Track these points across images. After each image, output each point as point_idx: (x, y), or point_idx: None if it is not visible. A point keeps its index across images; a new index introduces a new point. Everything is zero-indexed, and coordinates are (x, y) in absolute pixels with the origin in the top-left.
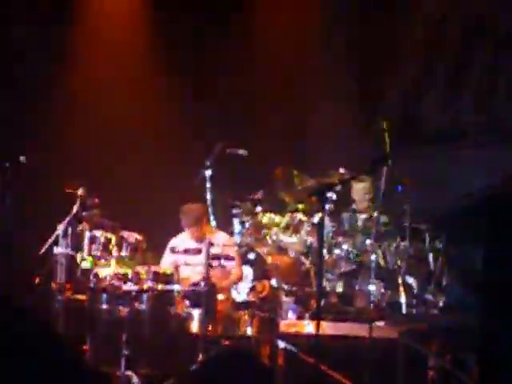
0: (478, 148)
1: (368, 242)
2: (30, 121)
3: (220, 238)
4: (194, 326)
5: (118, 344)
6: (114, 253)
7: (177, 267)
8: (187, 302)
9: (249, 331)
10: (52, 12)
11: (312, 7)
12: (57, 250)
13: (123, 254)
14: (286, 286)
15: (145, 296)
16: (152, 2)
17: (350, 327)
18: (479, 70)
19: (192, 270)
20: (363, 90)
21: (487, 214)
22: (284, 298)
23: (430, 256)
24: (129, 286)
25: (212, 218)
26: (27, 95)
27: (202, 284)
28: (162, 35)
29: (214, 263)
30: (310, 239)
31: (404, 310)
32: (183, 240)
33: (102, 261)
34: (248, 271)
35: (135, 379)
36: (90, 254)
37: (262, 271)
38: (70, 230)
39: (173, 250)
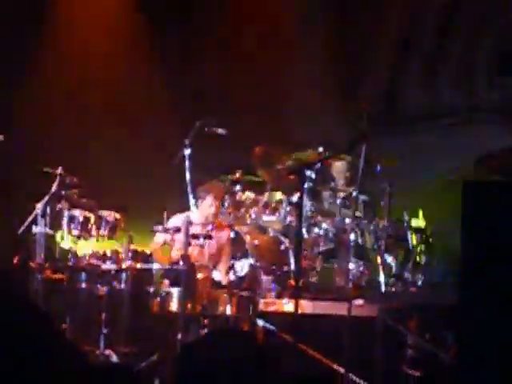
0: (458, 125)
1: (347, 220)
2: (8, 101)
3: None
4: (174, 305)
5: (97, 323)
6: (93, 232)
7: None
8: (166, 281)
9: (228, 310)
10: None
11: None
12: (35, 229)
13: (102, 232)
14: (264, 265)
15: (124, 275)
16: None
17: (328, 306)
18: (455, 54)
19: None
20: (343, 73)
21: (465, 193)
22: (263, 277)
23: (409, 235)
24: (108, 265)
25: (191, 197)
26: (2, 73)
27: (181, 263)
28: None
29: (194, 242)
30: (289, 218)
31: (383, 289)
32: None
33: (81, 240)
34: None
35: (114, 357)
36: (69, 233)
37: (241, 250)
38: (48, 209)
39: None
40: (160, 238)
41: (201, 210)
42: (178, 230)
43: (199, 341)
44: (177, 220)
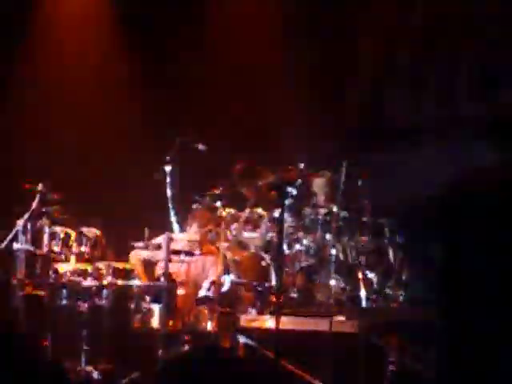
0: (439, 143)
1: (328, 236)
2: None
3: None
4: (155, 322)
5: (78, 339)
6: (74, 248)
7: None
8: (147, 298)
9: (209, 326)
10: None
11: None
12: (16, 245)
13: (83, 249)
14: (246, 282)
15: (105, 292)
16: None
17: (310, 322)
18: (440, 66)
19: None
20: (324, 88)
21: (446, 208)
22: (244, 293)
23: (390, 251)
24: (89, 282)
25: (172, 213)
26: None
27: (162, 279)
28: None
29: (175, 258)
30: (270, 234)
31: (364, 305)
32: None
33: (62, 256)
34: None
35: (95, 374)
36: (49, 250)
37: (222, 266)
38: (29, 225)
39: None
40: (138, 254)
41: (187, 235)
42: (158, 246)
43: (180, 357)
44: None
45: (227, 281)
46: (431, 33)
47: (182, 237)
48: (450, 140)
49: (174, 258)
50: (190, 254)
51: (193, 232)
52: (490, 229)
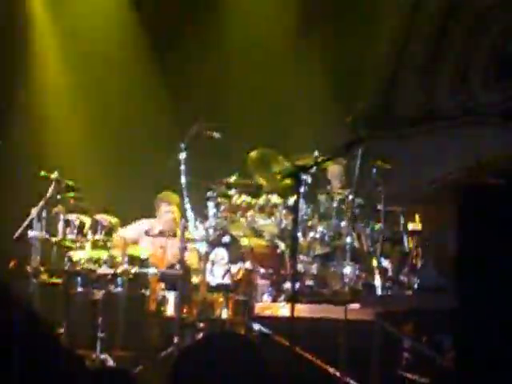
0: (454, 128)
1: (343, 224)
2: (4, 106)
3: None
4: (170, 309)
5: (93, 327)
6: (89, 236)
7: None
8: (162, 285)
9: (224, 314)
10: None
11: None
12: (31, 233)
13: (98, 237)
14: (260, 269)
15: (120, 279)
16: None
17: (324, 309)
18: (453, 52)
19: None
20: (338, 75)
21: (459, 197)
22: (259, 281)
23: (405, 238)
24: (104, 270)
25: (187, 200)
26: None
27: (177, 267)
28: (139, 22)
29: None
30: (285, 222)
31: (379, 292)
32: (151, 224)
33: (77, 244)
34: (223, 254)
35: (110, 361)
36: (64, 238)
37: (236, 254)
38: (44, 213)
39: (147, 233)
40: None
41: (159, 218)
42: (174, 234)
43: (196, 344)
44: (140, 226)
45: (241, 268)
46: (444, 20)
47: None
48: (463, 128)
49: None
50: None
51: (164, 211)
52: (504, 215)
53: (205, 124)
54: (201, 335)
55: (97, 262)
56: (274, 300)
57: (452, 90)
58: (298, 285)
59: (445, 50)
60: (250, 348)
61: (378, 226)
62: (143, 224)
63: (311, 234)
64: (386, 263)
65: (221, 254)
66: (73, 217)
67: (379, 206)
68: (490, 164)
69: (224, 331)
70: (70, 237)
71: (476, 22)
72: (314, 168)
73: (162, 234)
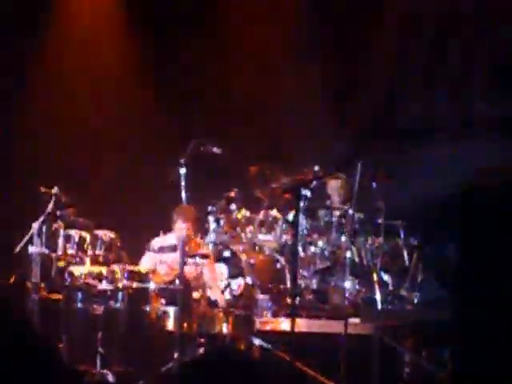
0: (453, 142)
1: (343, 238)
2: (2, 120)
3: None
4: (170, 324)
5: (93, 343)
6: (89, 251)
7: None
8: (162, 300)
9: (224, 329)
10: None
11: (287, 10)
12: (31, 249)
13: (98, 252)
14: (261, 284)
15: (120, 294)
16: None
17: (325, 324)
18: (452, 66)
19: (167, 268)
20: (337, 89)
21: (461, 210)
22: (259, 296)
23: (405, 252)
24: (104, 285)
25: None
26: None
27: (177, 282)
28: (136, 35)
29: (189, 261)
30: (285, 237)
31: (379, 307)
32: (166, 239)
33: (77, 259)
34: (223, 269)
35: (110, 377)
36: (64, 253)
37: (237, 269)
38: (44, 228)
39: (149, 249)
40: (148, 260)
41: (175, 233)
42: (173, 248)
43: (197, 359)
44: (159, 241)
45: (242, 283)
46: (444, 32)
47: (169, 234)
48: (463, 140)
49: (189, 260)
50: (205, 256)
51: (178, 228)
52: (503, 229)
53: (204, 139)
54: (201, 351)
55: (97, 277)
56: (275, 315)
57: (451, 103)
58: (298, 299)
59: (443, 63)
60: (250, 364)
61: (378, 241)
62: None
63: (311, 249)
64: (386, 277)
65: (221, 268)
66: (73, 232)
67: (379, 220)
68: (489, 177)
69: (224, 347)
70: (70, 252)
71: (474, 36)
72: (314, 183)
73: (161, 249)
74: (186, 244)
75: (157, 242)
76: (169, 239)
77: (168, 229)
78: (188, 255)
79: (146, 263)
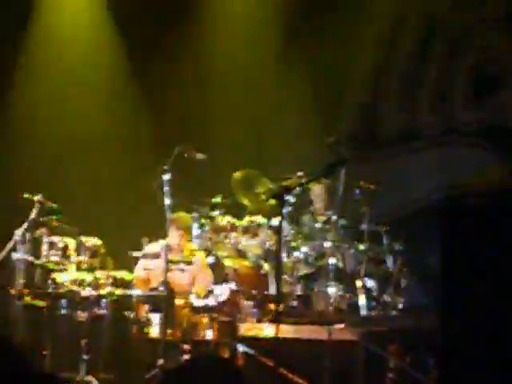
0: (434, 149)
1: (327, 244)
2: None
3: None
4: (154, 331)
5: (77, 349)
6: (73, 258)
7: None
8: (146, 307)
9: (208, 335)
10: None
11: (264, 20)
12: (15, 255)
13: (82, 259)
14: (245, 290)
15: (104, 301)
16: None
17: (309, 330)
18: (435, 71)
19: (152, 274)
20: (322, 97)
21: (443, 215)
22: (243, 302)
23: (389, 258)
24: (88, 292)
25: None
26: None
27: (161, 288)
28: (122, 36)
29: (173, 267)
30: (269, 242)
31: (363, 312)
32: (158, 246)
33: (61, 266)
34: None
35: None
36: (48, 260)
37: (221, 275)
38: (28, 235)
39: (136, 257)
40: (141, 268)
41: (168, 239)
42: (156, 255)
43: (180, 367)
44: (153, 247)
45: (225, 289)
46: (423, 44)
47: (162, 242)
48: (447, 147)
49: (173, 267)
50: (189, 263)
51: (172, 236)
52: (487, 235)
53: (187, 146)
54: (185, 358)
55: (81, 284)
56: (259, 321)
57: (433, 111)
58: (282, 305)
59: (424, 73)
60: (235, 373)
61: (361, 247)
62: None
63: (295, 255)
64: (370, 283)
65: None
66: (56, 239)
67: (363, 226)
68: (471, 184)
69: (208, 354)
70: (53, 259)
71: (454, 46)
72: (298, 189)
73: (144, 256)
74: (170, 251)
75: (149, 249)
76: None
77: (162, 235)
78: (171, 261)
79: (138, 272)
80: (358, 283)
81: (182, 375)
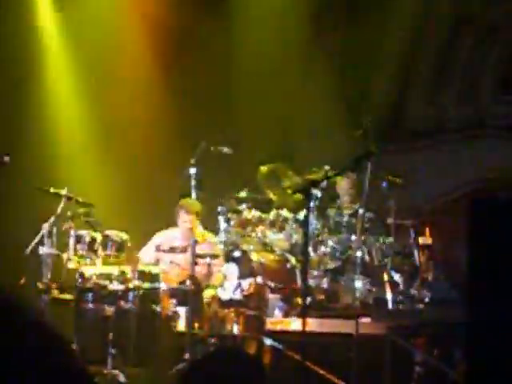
0: (463, 141)
1: (353, 238)
2: (13, 121)
3: (208, 238)
4: (181, 325)
5: (104, 343)
6: (100, 252)
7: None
8: (173, 301)
9: (235, 329)
10: None
11: (290, 9)
12: (42, 249)
13: (109, 252)
14: (271, 284)
15: (131, 295)
16: None
17: (336, 324)
18: (461, 68)
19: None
20: (348, 89)
21: (471, 210)
22: (270, 296)
23: (416, 252)
24: (114, 285)
25: None
26: (11, 96)
27: (188, 282)
28: (148, 34)
29: (201, 261)
30: (296, 236)
31: (390, 306)
32: (169, 237)
33: (88, 260)
34: (233, 269)
35: (122, 378)
36: (75, 254)
37: (247, 269)
38: (54, 229)
39: (158, 248)
40: (147, 253)
41: (180, 227)
42: (184, 249)
43: (205, 358)
44: (162, 238)
45: (252, 283)
46: (453, 33)
47: (172, 229)
48: (474, 140)
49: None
50: (214, 257)
51: (182, 221)
52: None
53: (214, 139)
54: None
55: (108, 277)
56: (286, 315)
57: (461, 103)
58: (309, 299)
59: (454, 63)
60: (257, 367)
61: (388, 240)
62: (157, 239)
63: (322, 249)
64: (396, 277)
65: (231, 268)
66: (83, 233)
67: (389, 220)
68: (501, 177)
69: (233, 347)
70: (80, 253)
71: (484, 36)
72: (324, 182)
73: (172, 249)
74: (190, 237)
75: (161, 238)
76: (172, 234)
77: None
78: (199, 256)
79: (144, 256)
80: (385, 277)
81: (205, 368)
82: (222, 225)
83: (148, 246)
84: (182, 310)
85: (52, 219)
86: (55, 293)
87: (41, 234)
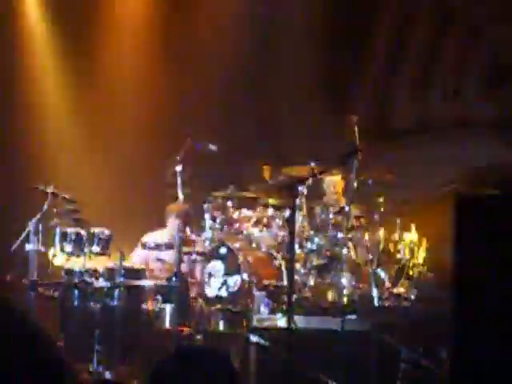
0: (448, 139)
1: (339, 235)
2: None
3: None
4: (166, 322)
5: (90, 340)
6: (86, 249)
7: (147, 263)
8: (159, 298)
9: (221, 326)
10: None
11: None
12: (28, 246)
13: (94, 250)
14: (257, 281)
15: (117, 292)
16: None
17: (322, 321)
18: (447, 66)
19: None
20: (334, 88)
21: (456, 207)
22: (256, 293)
23: (402, 249)
24: (100, 282)
25: None
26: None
27: (174, 279)
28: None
29: (185, 258)
30: (282, 233)
31: (376, 303)
32: (158, 238)
33: (74, 257)
34: (219, 266)
35: (107, 374)
36: (61, 251)
37: (233, 266)
38: (40, 226)
39: (144, 246)
40: (139, 257)
41: (168, 230)
42: (170, 246)
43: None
44: (152, 238)
45: (238, 280)
46: (437, 33)
47: (161, 230)
48: (458, 138)
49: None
50: (202, 254)
51: (171, 225)
52: (502, 227)
53: (199, 137)
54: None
55: (94, 274)
56: (272, 312)
57: (446, 102)
58: (295, 296)
59: (438, 62)
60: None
61: (374, 237)
62: (145, 239)
63: (308, 246)
64: (382, 274)
65: (217, 265)
66: (69, 229)
67: (376, 217)
68: (487, 174)
69: (196, 346)
70: (66, 250)
71: (468, 35)
72: (310, 179)
73: (157, 246)
74: (183, 241)
75: (149, 238)
76: (161, 235)
77: (162, 226)
78: (184, 252)
79: (136, 260)
80: (371, 274)
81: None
82: (208, 222)
83: (137, 248)
84: (167, 307)
85: (38, 216)
86: (41, 290)
87: (27, 230)
